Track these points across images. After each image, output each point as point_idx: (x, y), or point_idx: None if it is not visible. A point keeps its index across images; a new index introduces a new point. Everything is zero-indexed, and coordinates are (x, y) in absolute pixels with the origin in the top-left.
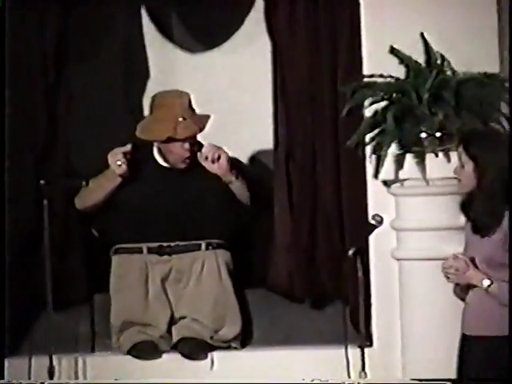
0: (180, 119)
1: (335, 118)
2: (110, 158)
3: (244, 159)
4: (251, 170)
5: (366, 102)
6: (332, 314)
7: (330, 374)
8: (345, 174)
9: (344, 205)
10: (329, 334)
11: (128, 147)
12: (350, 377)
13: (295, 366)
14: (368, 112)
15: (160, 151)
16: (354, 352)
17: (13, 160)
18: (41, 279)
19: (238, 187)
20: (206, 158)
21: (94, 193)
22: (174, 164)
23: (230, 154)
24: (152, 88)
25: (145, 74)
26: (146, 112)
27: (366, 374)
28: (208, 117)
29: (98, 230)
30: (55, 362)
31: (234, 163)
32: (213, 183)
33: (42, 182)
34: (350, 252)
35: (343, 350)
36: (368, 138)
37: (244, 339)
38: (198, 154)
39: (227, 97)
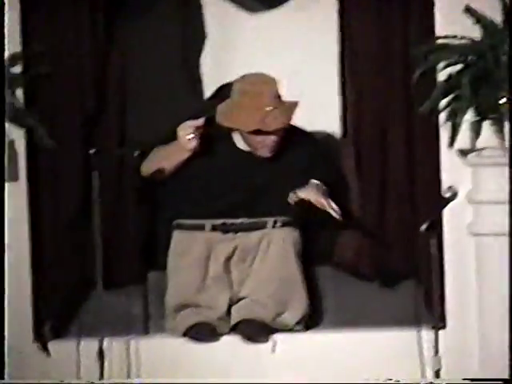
0: (268, 109)
1: (407, 83)
2: (180, 132)
3: (308, 126)
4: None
5: (440, 66)
6: (403, 294)
7: (401, 358)
8: (417, 143)
9: (416, 176)
10: (400, 315)
11: (200, 121)
12: (422, 361)
13: (364, 350)
14: (442, 76)
15: (241, 133)
16: (426, 334)
17: (59, 127)
18: (91, 256)
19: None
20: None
21: (160, 162)
22: (255, 151)
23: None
24: (209, 49)
25: (202, 34)
26: (204, 75)
27: (439, 357)
28: (296, 104)
29: (157, 203)
30: (106, 345)
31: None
32: (291, 169)
33: (91, 151)
34: (423, 227)
35: (415, 332)
36: (442, 104)
37: (309, 321)
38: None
39: (289, 59)
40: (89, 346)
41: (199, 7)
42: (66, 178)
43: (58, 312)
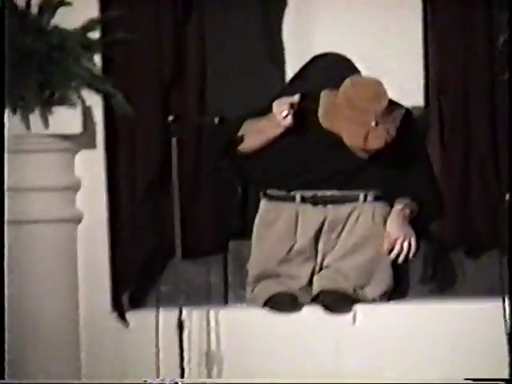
0: (373, 124)
1: (491, 46)
2: (276, 108)
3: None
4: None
5: None
6: (488, 264)
7: (485, 329)
8: (502, 110)
9: (500, 144)
10: (485, 285)
11: (296, 98)
12: (509, 331)
13: (448, 321)
14: None
15: None
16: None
17: (137, 94)
18: (169, 225)
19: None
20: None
21: (253, 137)
22: (353, 150)
23: None
24: (289, 17)
25: (282, 2)
26: (285, 44)
27: None
28: (401, 113)
29: (244, 172)
30: (185, 315)
31: None
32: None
33: (170, 118)
34: (508, 197)
35: (501, 303)
36: None
37: (392, 294)
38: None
39: (369, 24)
40: (167, 316)
41: None
42: (144, 145)
43: (136, 281)
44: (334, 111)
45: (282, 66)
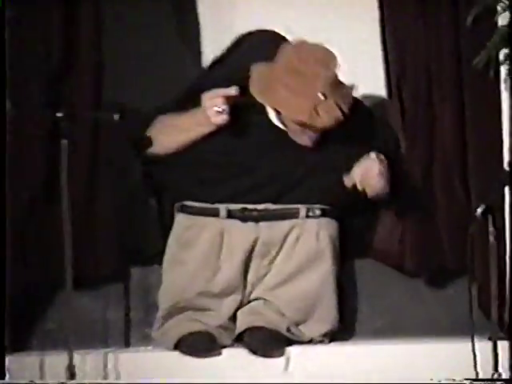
0: (321, 96)
1: (456, 28)
2: (207, 102)
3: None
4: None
5: (499, 7)
6: (454, 294)
7: (449, 374)
8: (471, 104)
9: (469, 146)
10: (449, 321)
11: (232, 91)
12: (477, 376)
13: (404, 364)
14: (502, 19)
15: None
16: (483, 346)
17: (19, 85)
18: (58, 249)
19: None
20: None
21: (170, 136)
22: (293, 136)
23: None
24: None
25: None
26: (201, 20)
27: (499, 374)
28: (352, 89)
29: (154, 179)
30: (76, 359)
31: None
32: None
33: (59, 114)
34: (478, 211)
35: (469, 343)
36: (502, 54)
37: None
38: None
39: (319, 20)
40: (55, 360)
41: None
42: (28, 149)
43: (17, 318)
44: (272, 82)
45: (198, 48)
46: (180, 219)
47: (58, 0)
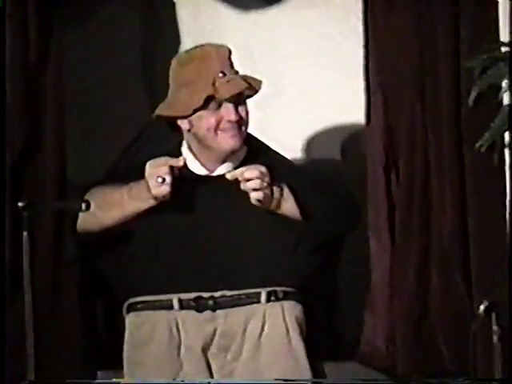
0: (220, 75)
1: (457, 107)
2: (150, 170)
3: (319, 167)
4: (319, 175)
5: (504, 83)
6: None
7: None
8: (472, 190)
9: (471, 237)
10: None
11: (180, 160)
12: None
13: None
14: (507, 97)
15: (191, 150)
16: None
17: None
18: (19, 350)
19: (287, 209)
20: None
21: (108, 210)
22: (215, 148)
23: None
24: None
25: (175, 40)
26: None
27: None
28: (259, 81)
29: (105, 276)
30: None
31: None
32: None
33: (20, 204)
34: (481, 308)
35: None
36: (507, 136)
37: None
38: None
39: (295, 75)
40: None
41: (172, 5)
42: None
43: None
44: (169, 97)
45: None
46: (130, 319)
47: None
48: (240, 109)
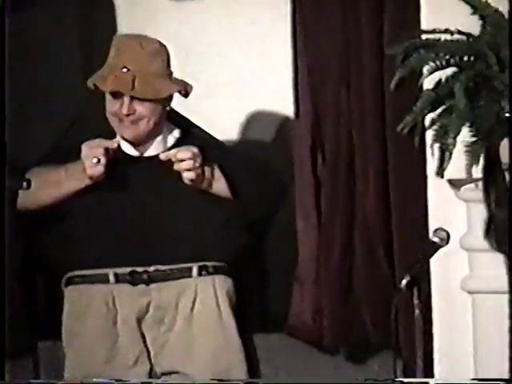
0: (123, 70)
1: (380, 93)
2: (86, 151)
3: (249, 149)
4: (247, 158)
5: (425, 69)
6: (378, 370)
7: None
8: (394, 172)
9: (393, 215)
10: None
11: (114, 143)
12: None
13: None
14: (428, 83)
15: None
16: None
17: None
18: None
19: (217, 188)
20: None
21: (42, 190)
22: (122, 131)
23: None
24: None
25: (110, 31)
26: None
27: None
28: (179, 86)
29: (45, 251)
30: None
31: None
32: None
33: None
34: (403, 283)
35: None
36: (428, 120)
37: None
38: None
39: (225, 59)
40: None
41: None
42: None
43: None
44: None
45: None
46: (68, 292)
47: None
48: (137, 105)
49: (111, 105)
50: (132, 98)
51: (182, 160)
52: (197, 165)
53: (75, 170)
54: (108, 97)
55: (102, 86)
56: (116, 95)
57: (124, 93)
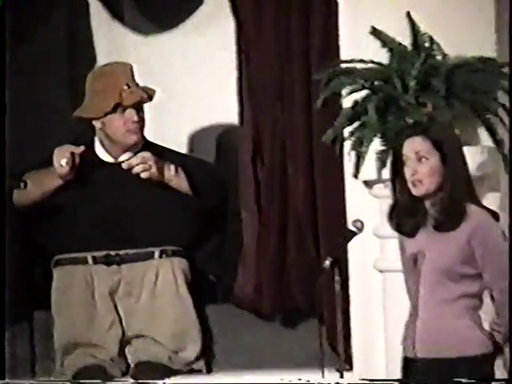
0: (125, 87)
1: (308, 110)
2: (56, 154)
3: (203, 155)
4: (201, 162)
5: (344, 91)
6: (306, 334)
7: None
8: (319, 174)
9: (319, 208)
10: (302, 357)
11: (80, 148)
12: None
13: None
14: (346, 102)
15: (102, 143)
16: (331, 376)
17: None
18: None
19: (178, 184)
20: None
21: (31, 189)
22: (122, 141)
23: (182, 146)
24: None
25: (90, 61)
26: None
27: None
28: (154, 90)
29: (37, 239)
30: None
31: (169, 157)
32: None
33: None
34: (326, 263)
35: (319, 375)
36: (346, 132)
37: (206, 362)
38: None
39: (184, 85)
40: None
41: (89, 28)
42: None
43: None
44: (85, 101)
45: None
46: (56, 271)
47: None
48: (140, 113)
49: (118, 120)
50: (135, 107)
51: (137, 164)
52: (147, 166)
53: (52, 172)
54: (112, 116)
55: (125, 101)
56: (118, 110)
57: (145, 102)
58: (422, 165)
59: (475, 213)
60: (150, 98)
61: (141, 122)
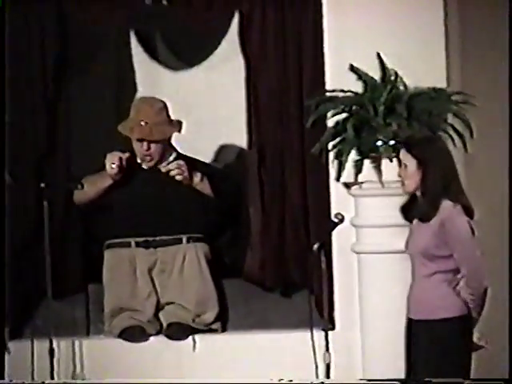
0: (142, 123)
1: (301, 128)
2: (108, 158)
3: (220, 163)
4: (221, 171)
5: (329, 114)
6: (299, 302)
7: (297, 355)
8: (310, 177)
9: (309, 204)
10: (296, 319)
11: (126, 154)
12: (315, 355)
13: (267, 348)
14: (330, 123)
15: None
16: (318, 334)
17: (16, 165)
18: (42, 271)
19: (202, 188)
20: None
21: (88, 189)
22: (143, 162)
23: (206, 158)
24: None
25: (133, 90)
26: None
27: (329, 354)
28: (176, 127)
29: (92, 227)
30: (55, 344)
31: (197, 166)
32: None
33: (42, 184)
34: (315, 247)
35: (309, 333)
36: (330, 145)
37: (222, 323)
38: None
39: (206, 110)
40: (41, 345)
41: (131, 66)
42: (21, 206)
43: (15, 317)
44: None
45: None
46: (107, 253)
47: (43, 107)
48: (152, 145)
49: (136, 145)
50: (149, 140)
51: (173, 170)
52: (180, 171)
53: (103, 174)
54: (134, 140)
55: (131, 135)
56: (138, 139)
57: (145, 139)
58: (404, 170)
59: (446, 208)
60: (179, 130)
61: (150, 153)
